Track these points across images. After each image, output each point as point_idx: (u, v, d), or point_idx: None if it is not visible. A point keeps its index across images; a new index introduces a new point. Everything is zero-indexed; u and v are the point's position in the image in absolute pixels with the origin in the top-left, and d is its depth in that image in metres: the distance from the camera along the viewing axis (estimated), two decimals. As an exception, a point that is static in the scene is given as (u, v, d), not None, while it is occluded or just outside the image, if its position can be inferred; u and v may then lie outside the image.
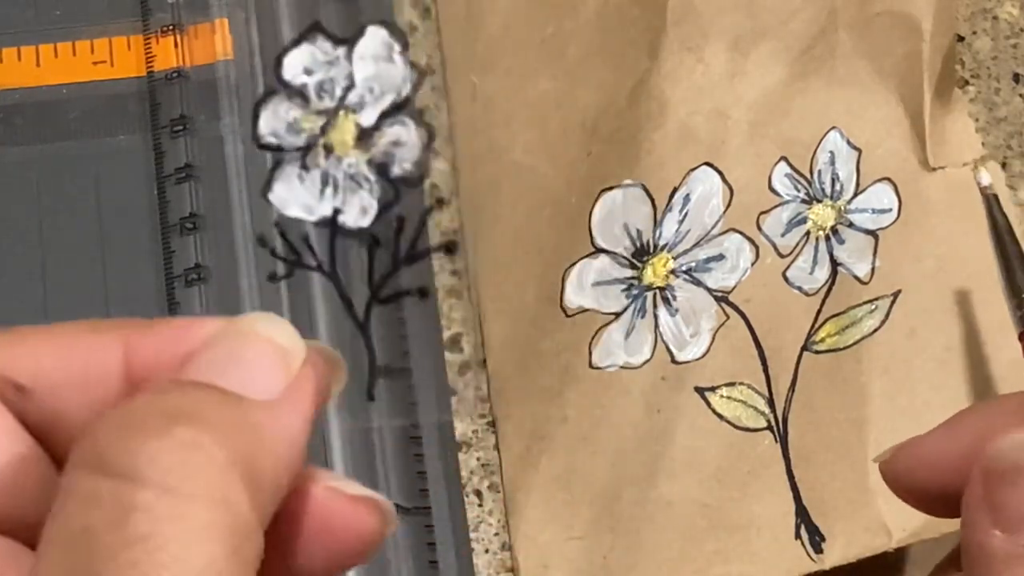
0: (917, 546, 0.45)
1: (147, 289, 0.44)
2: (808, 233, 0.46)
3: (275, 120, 0.40)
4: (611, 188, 0.44)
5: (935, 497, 0.30)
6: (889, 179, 0.47)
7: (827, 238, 0.46)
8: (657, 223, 0.45)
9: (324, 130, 0.41)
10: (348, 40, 0.41)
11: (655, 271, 0.45)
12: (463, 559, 0.43)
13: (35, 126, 0.46)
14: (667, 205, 0.45)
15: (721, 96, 0.45)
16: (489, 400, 0.45)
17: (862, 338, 0.46)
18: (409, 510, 0.43)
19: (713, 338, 0.45)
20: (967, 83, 0.50)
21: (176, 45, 0.47)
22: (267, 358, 0.23)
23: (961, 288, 0.47)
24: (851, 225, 0.47)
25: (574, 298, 0.44)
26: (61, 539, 0.21)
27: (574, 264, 0.44)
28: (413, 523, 0.43)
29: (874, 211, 0.47)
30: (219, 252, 0.45)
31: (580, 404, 0.44)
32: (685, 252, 0.45)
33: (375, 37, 0.41)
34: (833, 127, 0.47)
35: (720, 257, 0.45)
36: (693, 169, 0.45)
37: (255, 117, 0.40)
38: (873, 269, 0.47)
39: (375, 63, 0.40)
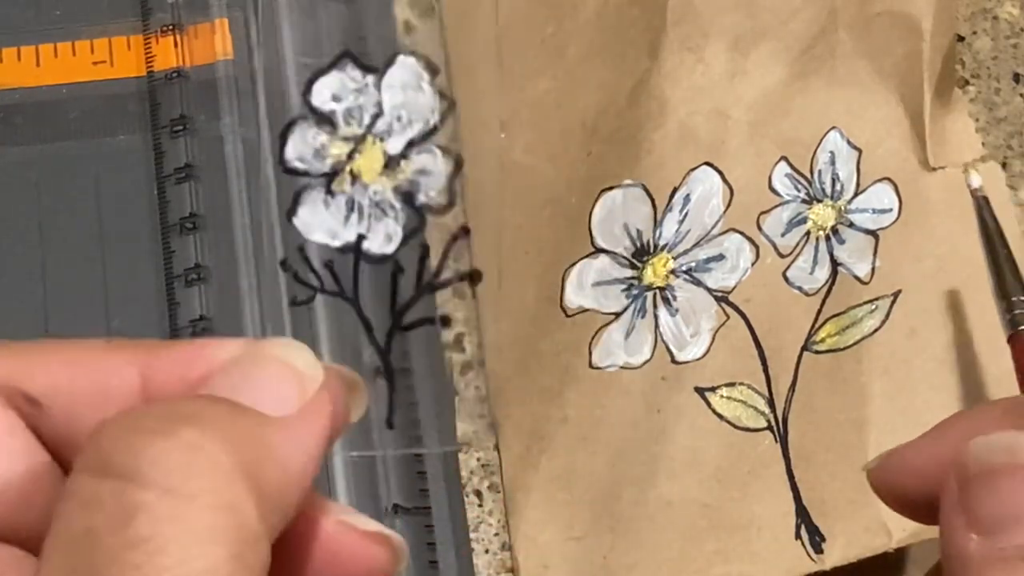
0: (917, 546, 0.45)
1: (147, 289, 0.44)
2: (808, 233, 0.46)
3: (303, 145, 0.40)
4: (611, 188, 0.44)
5: (922, 504, 0.30)
6: (889, 179, 0.47)
7: (827, 238, 0.46)
8: (657, 223, 0.45)
9: (351, 156, 0.41)
10: (378, 68, 0.41)
11: (655, 271, 0.45)
12: (463, 559, 0.43)
13: (35, 126, 0.46)
14: (667, 205, 0.45)
15: (721, 96, 0.45)
16: (489, 400, 0.45)
17: (862, 338, 0.46)
18: (409, 510, 0.43)
19: (713, 338, 0.45)
20: (967, 83, 0.50)
21: (176, 45, 0.47)
22: (282, 380, 0.23)
23: (961, 288, 0.47)
24: (851, 225, 0.47)
25: (574, 298, 0.44)
26: (63, 541, 0.21)
27: (574, 264, 0.44)
28: (413, 523, 0.43)
29: (874, 211, 0.47)
30: (219, 252, 0.45)
31: (580, 404, 0.44)
32: (685, 252, 0.45)
33: (405, 66, 0.41)
34: (833, 127, 0.47)
35: (720, 257, 0.45)
36: (693, 169, 0.45)
37: (283, 142, 0.40)
38: (873, 269, 0.47)
39: (403, 92, 0.40)
